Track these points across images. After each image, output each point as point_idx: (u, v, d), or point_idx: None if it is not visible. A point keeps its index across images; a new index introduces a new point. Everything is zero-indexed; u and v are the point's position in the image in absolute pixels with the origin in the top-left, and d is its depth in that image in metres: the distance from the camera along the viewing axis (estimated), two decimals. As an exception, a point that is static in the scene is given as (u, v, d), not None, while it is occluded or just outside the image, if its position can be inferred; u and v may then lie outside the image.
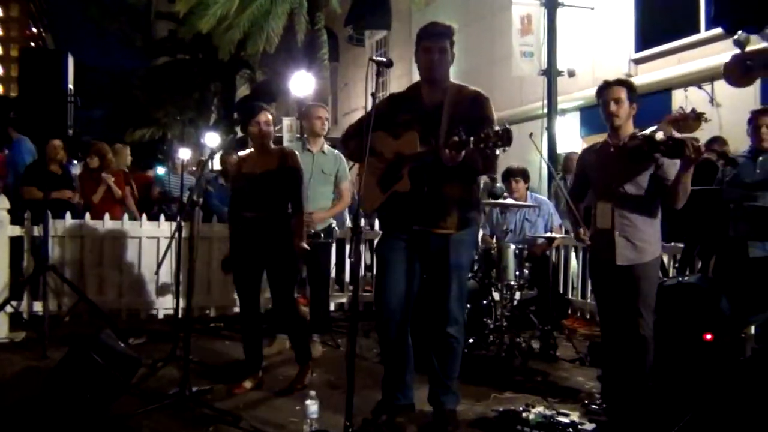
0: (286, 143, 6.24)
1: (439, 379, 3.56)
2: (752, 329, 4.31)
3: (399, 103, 3.63)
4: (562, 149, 10.48)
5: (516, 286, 5.15)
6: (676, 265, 5.79)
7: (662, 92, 9.87)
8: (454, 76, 3.60)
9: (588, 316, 6.74)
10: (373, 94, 3.25)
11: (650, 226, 3.67)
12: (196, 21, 15.99)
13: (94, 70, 27.82)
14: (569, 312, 6.67)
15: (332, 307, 6.57)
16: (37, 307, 5.89)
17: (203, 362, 4.79)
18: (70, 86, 5.28)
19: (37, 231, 5.98)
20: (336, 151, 5.50)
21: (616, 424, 3.64)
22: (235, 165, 4.65)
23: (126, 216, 6.57)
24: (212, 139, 17.66)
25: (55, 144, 6.47)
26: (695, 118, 4.56)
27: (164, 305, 6.44)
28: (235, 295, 6.51)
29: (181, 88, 24.59)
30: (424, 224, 3.47)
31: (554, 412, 3.70)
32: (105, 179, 6.99)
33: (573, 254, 7.06)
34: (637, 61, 10.81)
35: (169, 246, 4.77)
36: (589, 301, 6.70)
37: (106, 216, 6.41)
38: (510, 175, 5.90)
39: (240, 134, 23.87)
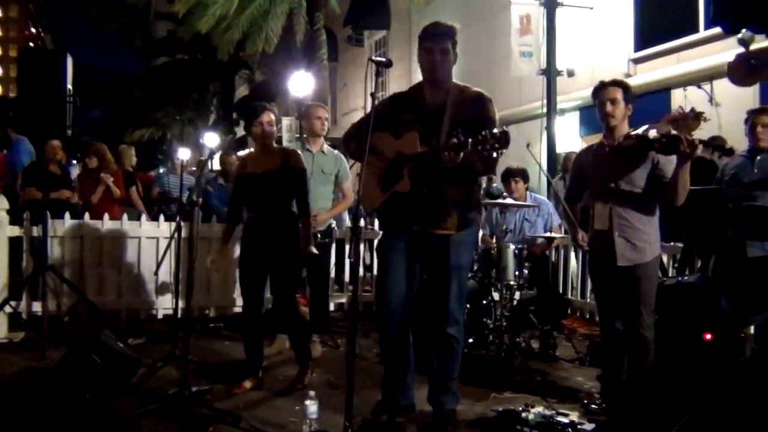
0: (285, 143, 6.24)
1: (438, 379, 3.56)
2: (752, 329, 4.31)
3: (401, 103, 3.63)
4: (561, 149, 10.48)
5: (515, 286, 5.15)
6: (676, 264, 5.80)
7: (661, 92, 9.88)
8: (453, 76, 3.60)
9: (587, 316, 6.75)
10: (372, 94, 3.26)
11: (649, 225, 3.67)
12: (195, 21, 15.99)
13: (93, 71, 27.83)
14: (569, 312, 6.67)
15: (332, 307, 6.56)
16: (36, 307, 5.88)
17: (203, 362, 4.79)
18: (69, 86, 5.27)
19: (36, 231, 5.97)
20: (336, 151, 5.50)
21: (615, 424, 3.64)
22: (238, 165, 4.66)
23: (125, 216, 6.56)
24: (211, 139, 17.67)
25: (54, 144, 6.46)
26: (694, 118, 4.56)
27: (164, 305, 6.43)
28: (235, 295, 6.63)
29: (180, 88, 24.60)
30: (424, 225, 3.47)
31: (554, 412, 3.70)
32: (104, 179, 6.99)
33: (573, 254, 7.06)
34: (636, 61, 10.81)
35: (168, 246, 4.78)
36: (588, 300, 6.70)
37: (106, 216, 6.41)
38: (509, 175, 5.91)
39: (239, 134, 23.91)
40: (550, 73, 10.53)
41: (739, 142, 5.29)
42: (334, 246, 6.14)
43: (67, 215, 6.25)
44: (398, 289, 3.53)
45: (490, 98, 3.49)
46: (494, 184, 7.75)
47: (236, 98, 25.50)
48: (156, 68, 26.29)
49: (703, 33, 9.60)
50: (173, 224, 4.92)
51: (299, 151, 4.58)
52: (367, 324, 5.86)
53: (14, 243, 5.96)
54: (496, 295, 5.25)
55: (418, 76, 3.64)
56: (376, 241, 6.69)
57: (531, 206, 5.81)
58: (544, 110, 10.61)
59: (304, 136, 5.58)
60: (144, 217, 6.57)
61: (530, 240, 5.78)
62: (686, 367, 3.88)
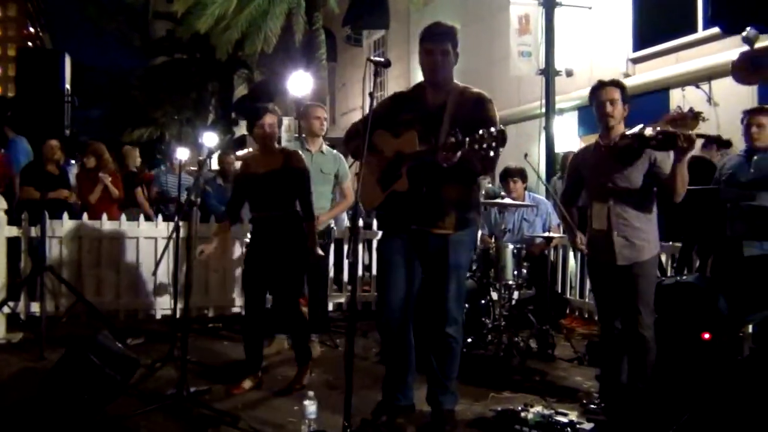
0: (284, 143, 6.24)
1: (437, 379, 3.56)
2: (750, 328, 4.31)
3: (402, 103, 3.64)
4: (560, 149, 10.49)
5: (514, 286, 5.14)
6: (674, 264, 5.80)
7: (660, 91, 9.88)
8: (453, 76, 3.59)
9: (586, 316, 6.75)
10: (370, 94, 3.25)
11: (647, 223, 3.67)
12: (194, 21, 15.98)
13: (91, 70, 27.76)
14: (567, 311, 6.67)
15: (330, 307, 6.56)
16: (35, 307, 5.88)
17: (201, 362, 4.78)
18: (67, 86, 5.30)
19: (34, 231, 5.97)
20: (335, 151, 5.50)
21: (614, 424, 3.64)
22: (241, 165, 4.68)
23: (123, 216, 6.55)
24: (210, 138, 17.64)
25: (52, 144, 6.45)
26: (693, 118, 4.55)
27: (162, 305, 6.43)
28: (234, 295, 6.62)
29: (179, 87, 24.59)
30: (422, 224, 3.47)
31: (552, 411, 3.69)
32: (102, 179, 6.98)
33: (571, 254, 7.06)
34: (635, 61, 10.82)
35: (166, 246, 4.76)
36: (587, 300, 6.70)
37: (104, 216, 6.40)
38: (508, 175, 5.90)
39: (237, 134, 23.86)
40: (548, 72, 10.53)
41: (738, 142, 5.29)
42: (332, 246, 6.15)
43: (65, 215, 6.25)
44: (398, 289, 3.53)
45: (491, 99, 3.49)
46: (489, 185, 7.75)
47: (235, 98, 25.48)
48: (155, 68, 26.26)
49: (701, 33, 9.61)
50: (171, 224, 4.91)
51: (299, 152, 4.59)
52: (366, 324, 5.86)
53: (12, 243, 5.95)
54: (494, 295, 5.25)
55: (417, 76, 3.64)
56: (374, 241, 6.70)
57: (529, 206, 5.80)
58: (543, 110, 10.61)
59: (303, 135, 5.58)
60: (142, 217, 6.55)
61: (529, 240, 5.78)
62: (685, 366, 3.89)
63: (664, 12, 10.40)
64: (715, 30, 8.29)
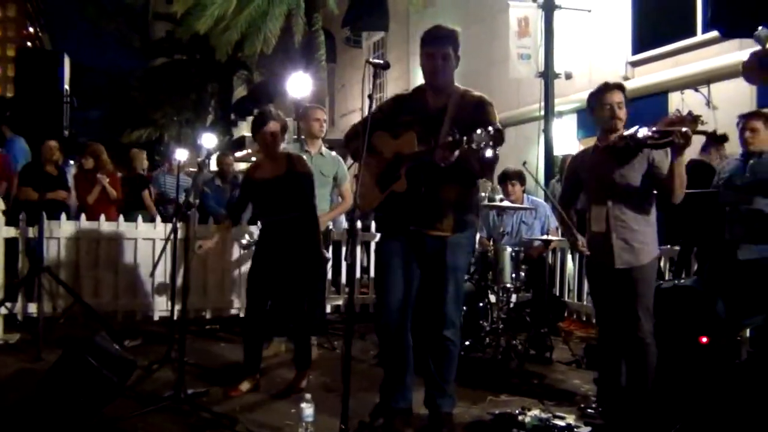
0: (284, 145, 6.19)
1: (435, 382, 3.56)
2: (747, 332, 4.30)
3: (402, 105, 3.65)
4: (558, 151, 10.50)
5: (512, 289, 5.14)
6: (672, 267, 5.79)
7: (659, 95, 9.89)
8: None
9: (584, 319, 6.75)
10: (369, 96, 3.25)
11: (646, 226, 3.66)
12: (193, 22, 15.97)
13: (91, 71, 27.78)
14: (565, 314, 6.67)
15: (328, 309, 6.56)
16: (32, 308, 5.86)
17: (199, 364, 4.77)
18: (66, 87, 5.28)
19: (32, 232, 5.96)
20: (333, 153, 5.50)
21: (612, 428, 3.63)
22: (248, 169, 4.70)
23: (121, 217, 6.54)
24: (209, 140, 17.64)
25: (50, 145, 6.44)
26: (691, 121, 4.56)
27: (160, 307, 6.41)
28: (232, 297, 6.61)
29: (178, 88, 24.61)
30: (420, 225, 3.47)
31: (550, 415, 3.69)
32: (100, 180, 6.97)
33: (569, 256, 7.06)
34: (634, 64, 10.82)
35: (164, 248, 4.76)
36: (585, 303, 6.70)
37: (102, 217, 6.39)
38: (506, 178, 5.90)
39: (236, 135, 23.82)
40: (547, 75, 10.52)
41: (737, 145, 5.28)
42: (330, 248, 6.14)
43: (63, 216, 6.24)
44: (397, 291, 3.53)
45: (491, 102, 3.49)
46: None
47: (234, 99, 25.50)
48: (154, 69, 26.29)
49: (700, 36, 9.62)
50: (170, 225, 4.91)
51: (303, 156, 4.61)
52: (363, 326, 5.86)
53: (10, 244, 5.94)
54: (492, 298, 5.25)
55: (416, 78, 3.65)
56: (372, 243, 6.69)
57: (528, 209, 5.80)
58: (542, 112, 10.61)
59: (302, 137, 5.58)
60: (140, 218, 6.54)
61: (527, 243, 5.77)
62: (682, 370, 3.88)
63: (663, 15, 10.41)
64: (714, 33, 8.31)
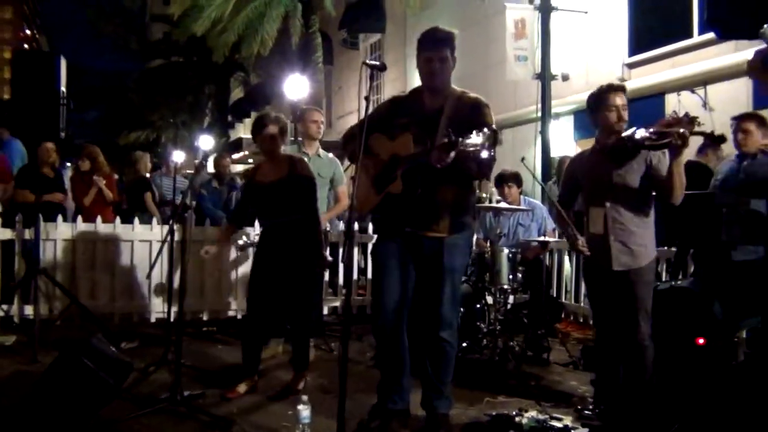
0: (282, 146, 6.20)
1: (432, 384, 3.56)
2: (744, 333, 4.31)
3: (399, 107, 3.65)
4: (555, 153, 10.50)
5: (509, 290, 5.13)
6: (669, 269, 5.79)
7: (655, 96, 9.90)
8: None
9: (581, 320, 6.75)
10: (366, 98, 3.24)
11: (644, 228, 3.65)
12: (190, 23, 15.98)
13: (88, 73, 27.83)
14: (563, 316, 6.67)
15: (325, 310, 6.56)
16: (28, 310, 5.85)
17: (196, 366, 4.76)
18: (63, 89, 5.27)
19: (28, 234, 5.95)
20: (330, 155, 5.49)
21: (609, 429, 3.63)
22: (249, 172, 4.70)
23: (118, 219, 6.54)
24: (206, 141, 17.59)
25: (47, 147, 6.44)
26: (688, 122, 4.56)
27: (156, 309, 6.40)
28: (229, 299, 6.61)
29: (175, 90, 24.62)
30: (416, 227, 3.47)
31: (547, 416, 3.69)
32: (96, 182, 6.96)
33: (566, 258, 7.06)
34: (631, 66, 10.83)
35: (161, 249, 4.75)
36: (582, 304, 6.71)
37: (98, 219, 6.39)
38: (503, 180, 5.89)
39: (233, 137, 23.78)
40: (544, 77, 10.54)
41: (733, 147, 5.30)
42: (327, 249, 6.13)
43: (59, 218, 6.23)
44: (393, 292, 3.53)
45: (488, 104, 3.49)
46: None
47: (231, 101, 25.50)
48: (151, 70, 26.27)
49: (697, 38, 9.63)
50: (166, 227, 4.90)
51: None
52: (360, 328, 5.85)
53: (6, 246, 5.93)
54: (489, 299, 5.24)
55: (413, 79, 3.66)
56: (369, 245, 6.69)
57: (525, 210, 5.80)
58: (539, 114, 10.62)
59: (300, 139, 5.57)
60: (137, 220, 6.53)
61: (524, 244, 5.77)
62: (679, 371, 3.88)
63: (659, 17, 10.43)
64: (711, 35, 8.32)
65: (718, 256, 4.44)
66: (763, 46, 3.41)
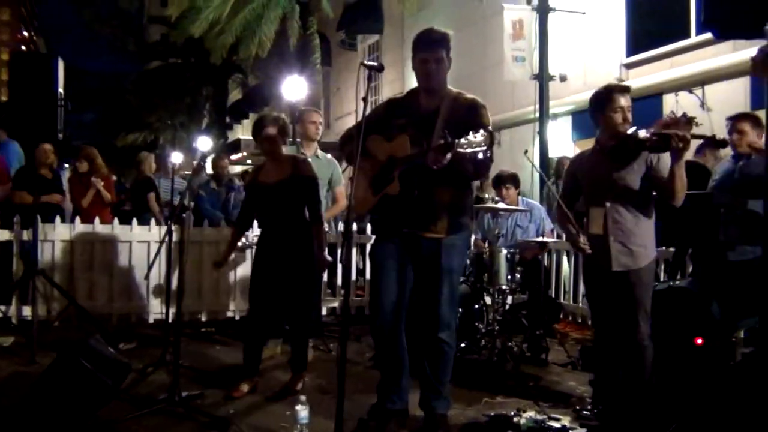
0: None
1: (430, 384, 3.56)
2: (742, 333, 4.31)
3: (396, 108, 3.66)
4: (554, 153, 10.51)
5: (508, 291, 5.14)
6: (668, 269, 5.80)
7: (653, 97, 9.92)
8: (446, 80, 3.60)
9: (580, 320, 6.75)
10: (364, 99, 3.24)
11: (645, 228, 3.65)
12: (188, 25, 15.96)
13: (85, 74, 27.79)
14: (561, 316, 6.67)
15: (324, 311, 6.55)
16: (26, 311, 5.85)
17: (194, 367, 4.76)
18: (61, 90, 5.26)
19: (26, 235, 5.94)
20: (329, 156, 5.49)
21: (607, 429, 3.63)
22: (250, 173, 4.70)
23: (116, 220, 6.53)
24: (204, 143, 17.61)
25: (45, 148, 6.43)
26: (686, 123, 4.57)
27: (154, 310, 6.40)
28: (228, 300, 6.60)
29: (173, 92, 24.59)
30: (414, 227, 3.48)
31: (545, 416, 3.69)
32: (94, 183, 6.97)
33: (565, 258, 7.07)
34: (629, 66, 10.85)
35: (159, 250, 4.75)
36: (580, 305, 6.71)
37: (96, 220, 6.38)
38: (500, 182, 5.89)
39: (231, 138, 23.77)
40: (542, 77, 10.55)
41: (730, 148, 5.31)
42: (326, 250, 6.13)
43: (57, 219, 6.23)
44: (391, 293, 3.53)
45: (484, 105, 3.50)
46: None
47: (229, 102, 25.49)
48: (149, 72, 26.24)
49: (694, 38, 9.65)
50: (164, 228, 4.90)
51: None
52: (359, 328, 5.86)
53: (4, 247, 5.92)
54: (488, 300, 5.24)
55: (411, 81, 3.65)
56: (368, 246, 6.69)
57: (522, 210, 5.80)
58: (537, 115, 10.63)
59: (298, 140, 5.57)
60: (135, 221, 6.53)
61: (523, 244, 5.77)
62: (677, 371, 3.89)
63: (657, 17, 10.44)
64: (708, 35, 8.32)
65: (715, 257, 4.44)
66: (765, 43, 3.40)
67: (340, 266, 6.59)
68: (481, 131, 3.02)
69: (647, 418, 3.55)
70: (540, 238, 5.62)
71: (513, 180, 5.90)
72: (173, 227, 4.62)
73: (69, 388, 3.49)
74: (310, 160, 5.23)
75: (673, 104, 9.46)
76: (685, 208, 3.60)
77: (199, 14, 15.58)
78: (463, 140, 3.03)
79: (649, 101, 9.77)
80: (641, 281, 3.61)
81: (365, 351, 5.35)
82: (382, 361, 3.68)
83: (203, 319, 6.57)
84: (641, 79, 10.33)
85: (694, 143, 3.90)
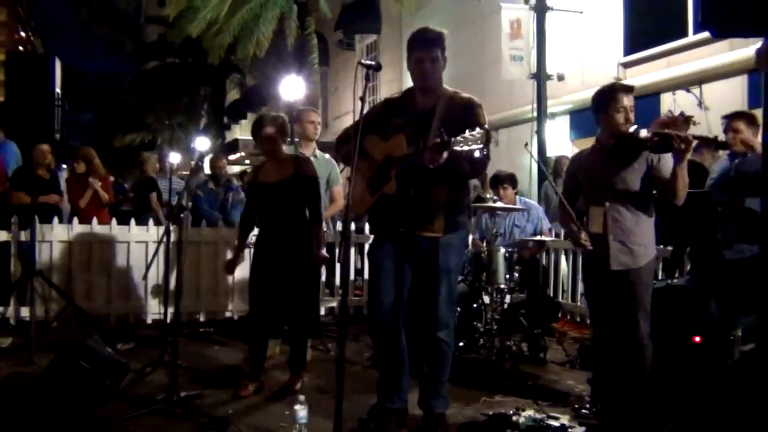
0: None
1: (429, 383, 3.56)
2: (739, 332, 4.31)
3: (392, 108, 3.66)
4: (551, 153, 10.52)
5: (506, 290, 5.14)
6: (666, 268, 5.80)
7: (651, 96, 9.93)
8: (444, 80, 3.60)
9: (578, 319, 6.76)
10: (361, 98, 3.24)
11: (645, 228, 3.65)
12: (185, 25, 15.94)
13: (83, 75, 27.73)
14: (559, 315, 6.67)
15: (322, 311, 6.55)
16: (24, 312, 5.84)
17: (192, 367, 4.75)
18: (58, 90, 5.25)
19: (24, 236, 5.93)
20: (327, 155, 5.49)
21: (606, 427, 3.64)
22: (251, 173, 4.69)
23: (114, 221, 6.52)
24: (202, 143, 17.58)
25: (42, 148, 6.42)
26: (683, 121, 4.58)
27: (153, 310, 6.40)
28: (226, 300, 6.60)
29: (170, 92, 24.56)
30: (411, 227, 3.48)
31: (544, 415, 3.69)
32: (92, 184, 6.96)
33: (563, 257, 7.07)
34: (626, 65, 10.86)
35: (157, 250, 4.74)
36: (579, 304, 6.72)
37: (94, 220, 6.38)
38: (498, 182, 5.89)
39: (229, 138, 23.73)
40: (540, 77, 10.56)
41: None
42: (324, 248, 6.13)
43: (55, 220, 6.22)
44: (390, 292, 3.53)
45: (480, 104, 3.50)
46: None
47: (227, 102, 25.46)
48: (146, 72, 26.20)
49: (692, 37, 9.66)
50: (162, 228, 4.89)
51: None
52: (357, 328, 5.85)
53: (2, 248, 5.90)
54: (486, 299, 5.25)
55: (409, 81, 3.66)
56: (366, 245, 6.69)
57: (520, 209, 5.80)
58: (535, 114, 10.63)
59: (296, 140, 5.57)
60: (133, 221, 6.52)
61: (521, 243, 5.77)
62: (675, 369, 3.89)
63: (655, 16, 10.45)
64: (706, 34, 8.34)
65: (714, 255, 4.45)
66: (762, 40, 3.40)
67: (338, 266, 6.59)
68: (478, 129, 3.02)
69: (645, 416, 3.55)
70: (538, 237, 5.62)
71: (510, 180, 5.90)
72: (171, 227, 4.61)
73: (67, 388, 3.48)
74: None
75: (670, 103, 9.47)
76: (683, 206, 3.61)
77: (197, 14, 15.56)
78: (459, 138, 3.03)
79: (646, 100, 9.78)
80: (641, 280, 3.60)
81: (364, 351, 5.35)
82: (382, 361, 3.68)
83: (201, 319, 6.57)
84: (639, 78, 10.33)
85: (694, 143, 3.90)
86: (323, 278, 6.56)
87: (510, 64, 11.22)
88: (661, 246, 5.51)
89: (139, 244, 6.37)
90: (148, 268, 5.40)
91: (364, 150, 3.51)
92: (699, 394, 3.52)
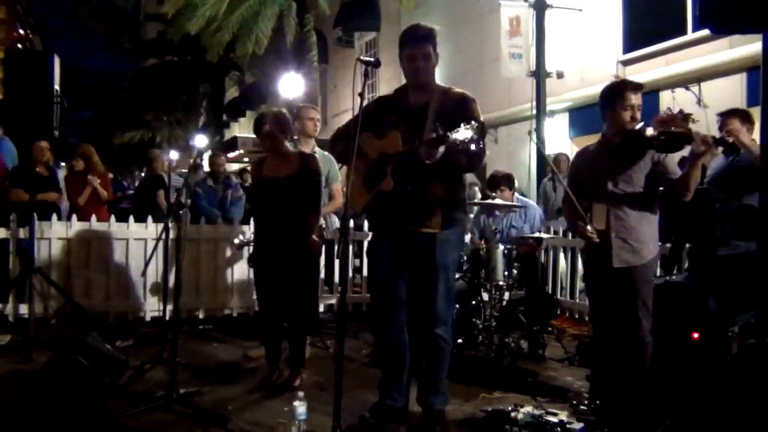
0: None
1: (427, 380, 3.56)
2: (738, 328, 4.32)
3: (386, 105, 3.66)
4: (551, 150, 10.52)
5: (505, 287, 5.15)
6: (664, 264, 5.81)
7: (650, 93, 9.89)
8: (443, 78, 3.61)
9: (577, 316, 6.77)
10: (360, 94, 3.24)
11: (647, 225, 3.64)
12: (184, 22, 15.92)
13: (82, 72, 27.68)
14: (558, 312, 6.68)
15: (321, 308, 6.55)
16: (23, 309, 5.84)
17: (191, 364, 4.75)
18: (57, 87, 5.25)
19: (22, 233, 5.93)
20: (326, 153, 5.48)
21: (604, 424, 3.64)
22: (253, 169, 4.70)
23: (113, 218, 6.52)
24: (201, 140, 17.59)
25: (41, 146, 6.41)
26: (682, 119, 4.57)
27: (151, 307, 6.40)
28: (225, 297, 6.59)
29: (169, 89, 24.50)
30: (408, 223, 3.48)
31: (543, 411, 3.69)
32: (90, 181, 6.96)
33: (561, 255, 7.08)
34: (625, 63, 10.87)
35: (155, 247, 4.74)
36: (577, 301, 6.73)
37: (93, 218, 6.37)
38: (495, 185, 5.87)
39: (228, 136, 23.69)
40: (539, 74, 10.56)
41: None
42: (323, 247, 6.13)
43: (54, 217, 6.22)
44: (390, 290, 3.54)
45: (474, 99, 3.50)
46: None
47: (226, 100, 25.43)
48: (145, 70, 26.14)
49: (691, 35, 9.67)
50: (161, 225, 4.89)
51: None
52: (356, 325, 5.86)
53: (1, 245, 5.90)
54: (485, 296, 5.25)
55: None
56: (365, 242, 6.69)
57: (518, 206, 5.80)
58: (534, 112, 10.64)
59: (296, 137, 5.56)
60: (131, 218, 6.52)
61: (519, 240, 5.77)
62: (674, 365, 3.90)
63: (653, 14, 10.46)
64: (705, 32, 8.36)
65: (712, 251, 4.46)
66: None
67: (337, 263, 6.59)
68: (473, 122, 3.02)
69: (644, 412, 3.56)
70: (537, 234, 5.61)
71: (507, 181, 5.88)
72: (170, 224, 4.61)
73: (66, 385, 3.49)
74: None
75: (669, 101, 9.49)
76: (681, 203, 3.62)
77: (196, 11, 15.55)
78: (454, 132, 3.03)
79: (645, 98, 9.69)
80: (643, 278, 3.60)
81: (362, 348, 5.36)
82: (383, 359, 3.68)
83: (201, 316, 6.57)
84: (638, 75, 10.31)
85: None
86: (322, 275, 6.57)
87: (509, 62, 11.22)
88: (660, 243, 5.53)
89: (138, 241, 6.37)
90: (147, 265, 5.40)
91: (359, 148, 3.50)
92: (697, 391, 3.52)
